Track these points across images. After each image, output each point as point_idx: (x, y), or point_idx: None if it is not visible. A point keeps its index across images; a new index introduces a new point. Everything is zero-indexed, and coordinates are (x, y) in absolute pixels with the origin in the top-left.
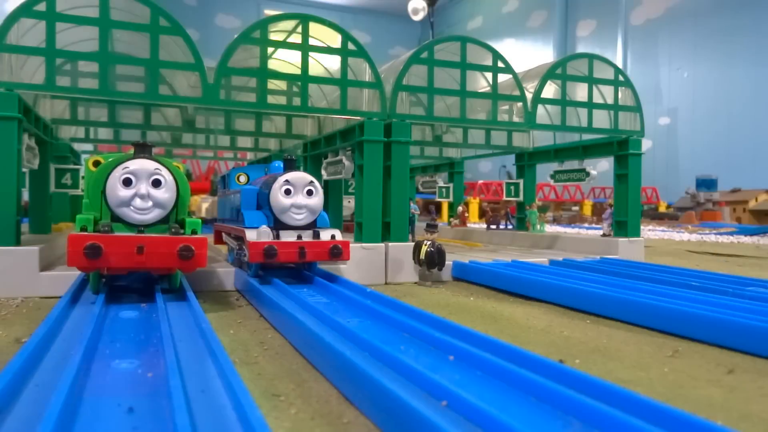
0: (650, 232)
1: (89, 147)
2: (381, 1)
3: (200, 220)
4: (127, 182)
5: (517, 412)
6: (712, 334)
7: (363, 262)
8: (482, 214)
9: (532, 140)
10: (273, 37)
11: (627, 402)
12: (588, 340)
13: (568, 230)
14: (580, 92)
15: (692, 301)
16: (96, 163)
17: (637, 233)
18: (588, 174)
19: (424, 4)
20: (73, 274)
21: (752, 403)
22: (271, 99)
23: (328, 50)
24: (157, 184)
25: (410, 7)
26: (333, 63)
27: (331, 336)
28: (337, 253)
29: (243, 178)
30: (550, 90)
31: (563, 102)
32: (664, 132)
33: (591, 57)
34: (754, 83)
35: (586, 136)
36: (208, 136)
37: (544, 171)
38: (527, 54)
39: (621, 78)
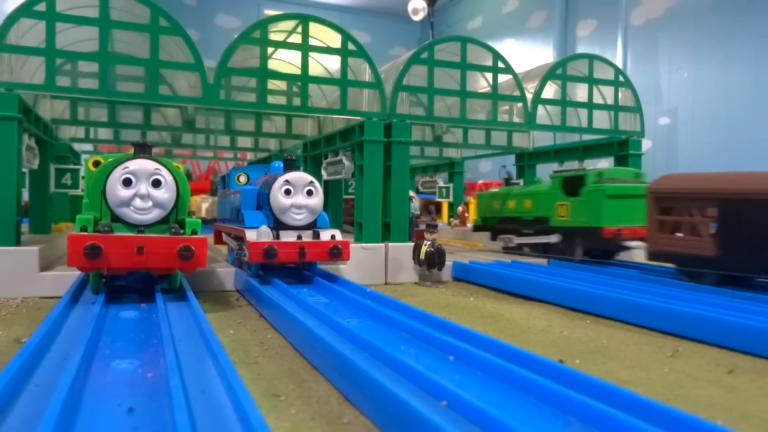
0: None
1: (89, 147)
2: (381, 1)
3: (200, 220)
4: (127, 182)
5: (517, 412)
6: (712, 334)
7: (363, 262)
8: None
9: (532, 140)
10: (273, 37)
11: (627, 402)
12: (588, 340)
13: None
14: (581, 93)
15: (692, 301)
16: (96, 163)
17: None
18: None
19: (424, 4)
20: (73, 274)
21: (752, 403)
22: (271, 99)
23: (328, 50)
24: (157, 184)
25: (410, 7)
26: (333, 63)
27: (331, 336)
28: (337, 253)
29: (243, 178)
30: (550, 90)
31: (563, 102)
32: (664, 132)
33: (591, 57)
34: (754, 83)
35: (587, 137)
36: (208, 136)
37: (544, 171)
38: (527, 54)
39: (621, 78)
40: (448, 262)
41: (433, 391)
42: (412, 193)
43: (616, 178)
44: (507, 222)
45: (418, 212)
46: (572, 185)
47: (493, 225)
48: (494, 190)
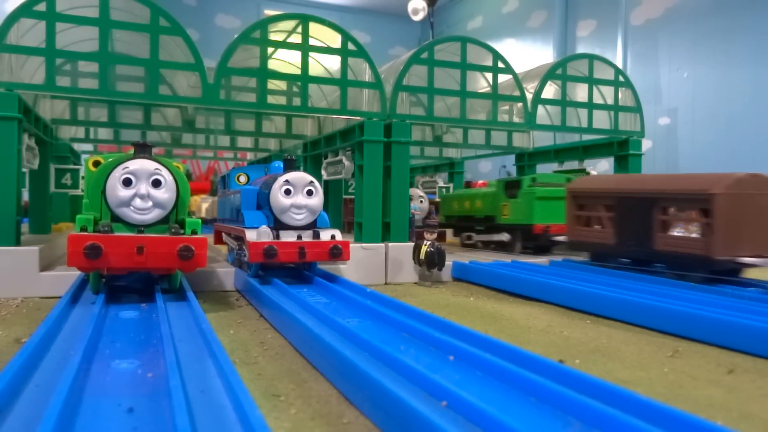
0: None
1: (89, 147)
2: (381, 1)
3: (200, 220)
4: (127, 182)
5: (517, 412)
6: (712, 334)
7: (363, 262)
8: None
9: (532, 140)
10: (273, 37)
11: (627, 402)
12: (588, 340)
13: None
14: (581, 93)
15: (692, 301)
16: (96, 163)
17: None
18: (588, 174)
19: (424, 4)
20: (73, 274)
21: (752, 403)
22: (271, 99)
23: (328, 50)
24: (157, 184)
25: (410, 7)
26: (333, 63)
27: (331, 336)
28: (337, 253)
29: (243, 178)
30: (550, 90)
31: (563, 102)
32: (664, 132)
33: (591, 57)
34: (754, 83)
35: (587, 137)
36: (208, 136)
37: (544, 171)
38: (527, 54)
39: (621, 78)
40: (448, 262)
41: (433, 391)
42: (421, 193)
43: (548, 182)
44: (464, 220)
45: (426, 213)
46: (512, 188)
47: (453, 222)
48: (455, 191)
